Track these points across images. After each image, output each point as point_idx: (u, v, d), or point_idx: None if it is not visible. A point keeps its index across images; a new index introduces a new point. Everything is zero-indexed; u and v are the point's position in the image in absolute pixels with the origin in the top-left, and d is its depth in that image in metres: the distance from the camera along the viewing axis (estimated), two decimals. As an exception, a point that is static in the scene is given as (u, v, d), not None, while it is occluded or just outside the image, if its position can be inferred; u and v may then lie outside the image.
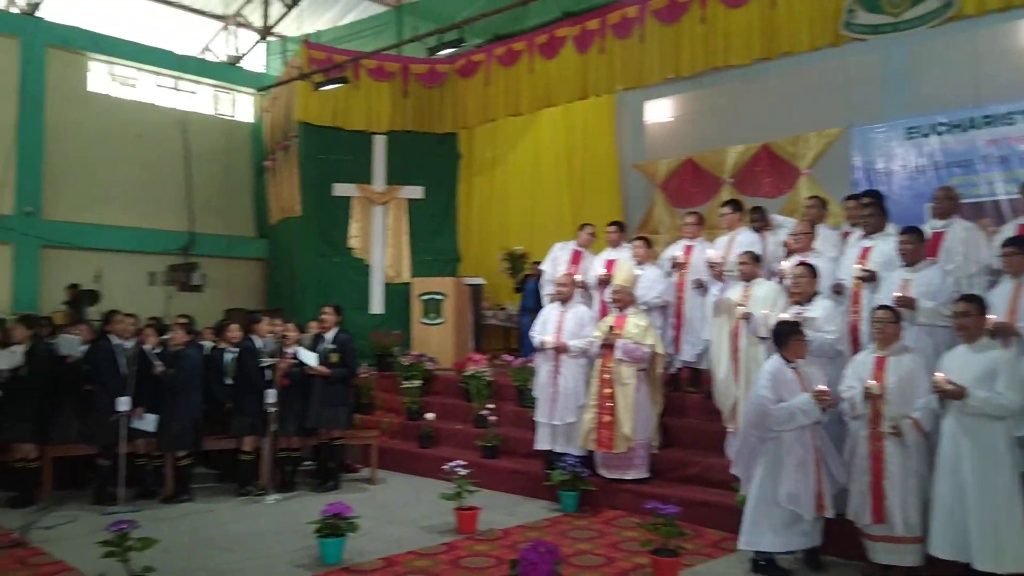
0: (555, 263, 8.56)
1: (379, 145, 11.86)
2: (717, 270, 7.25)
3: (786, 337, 5.43)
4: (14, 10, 12.28)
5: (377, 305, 11.72)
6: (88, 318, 9.83)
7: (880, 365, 5.20)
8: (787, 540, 5.31)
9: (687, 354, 7.77)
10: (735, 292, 6.65)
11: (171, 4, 13.87)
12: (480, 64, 11.14)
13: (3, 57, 11.90)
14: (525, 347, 10.10)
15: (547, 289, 8.48)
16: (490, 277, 12.47)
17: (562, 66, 10.20)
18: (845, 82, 10.51)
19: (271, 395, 7.52)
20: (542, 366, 7.64)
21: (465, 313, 11.34)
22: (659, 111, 12.84)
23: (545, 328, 7.59)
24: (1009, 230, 6.24)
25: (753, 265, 6.62)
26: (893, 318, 5.28)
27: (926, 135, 10.08)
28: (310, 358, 7.79)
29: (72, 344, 7.74)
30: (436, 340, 10.87)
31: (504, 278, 12.15)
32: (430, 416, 8.94)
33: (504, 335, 12.21)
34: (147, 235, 13.14)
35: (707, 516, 6.47)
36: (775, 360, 5.46)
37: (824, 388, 5.23)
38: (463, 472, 6.55)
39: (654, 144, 12.82)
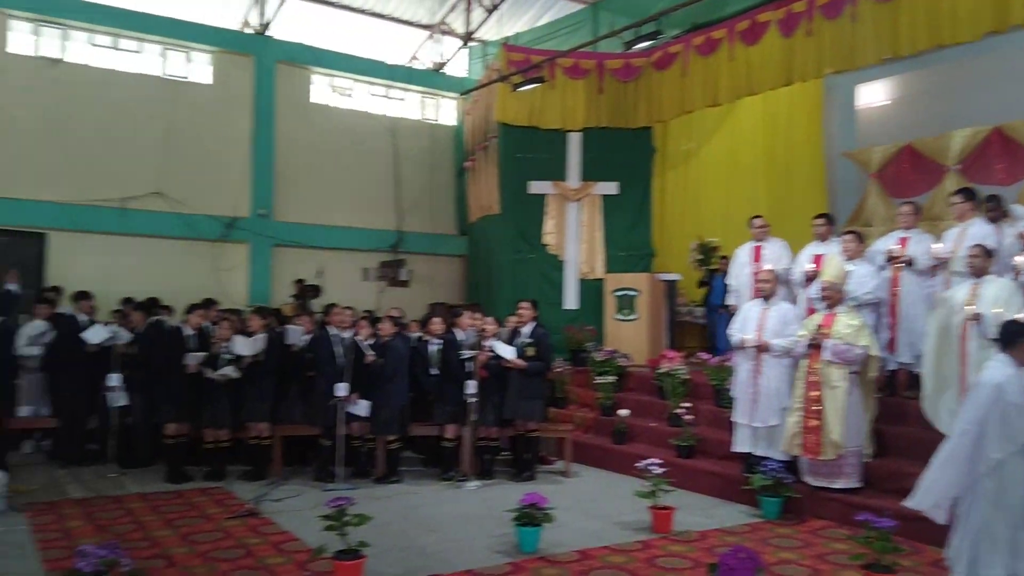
0: (739, 269, 8.42)
1: (574, 142, 12.00)
2: (942, 263, 6.66)
3: (1017, 338, 4.59)
4: (248, 31, 13.64)
5: (571, 300, 11.86)
6: (311, 310, 10.72)
7: None
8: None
9: (904, 356, 7.19)
10: (963, 289, 6.06)
11: (381, 16, 14.78)
12: (677, 55, 10.92)
13: (240, 74, 13.26)
14: (718, 346, 9.83)
15: (730, 299, 8.46)
16: (685, 273, 12.22)
17: (765, 52, 9.78)
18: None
19: (471, 386, 7.83)
20: (742, 365, 7.37)
21: (659, 309, 11.20)
22: (873, 94, 11.93)
23: (745, 326, 7.31)
24: None
25: (985, 259, 6.00)
26: None
27: None
28: (507, 351, 8.02)
29: (296, 334, 8.48)
30: (629, 336, 10.82)
31: (698, 274, 11.85)
32: (624, 412, 8.91)
33: (700, 332, 11.92)
34: (361, 234, 14.13)
35: (926, 532, 5.90)
36: (1008, 362, 4.58)
37: None
38: (658, 471, 6.47)
39: (867, 130, 11.93)
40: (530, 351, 8.07)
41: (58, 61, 11.79)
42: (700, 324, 11.89)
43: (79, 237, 11.52)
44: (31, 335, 8.69)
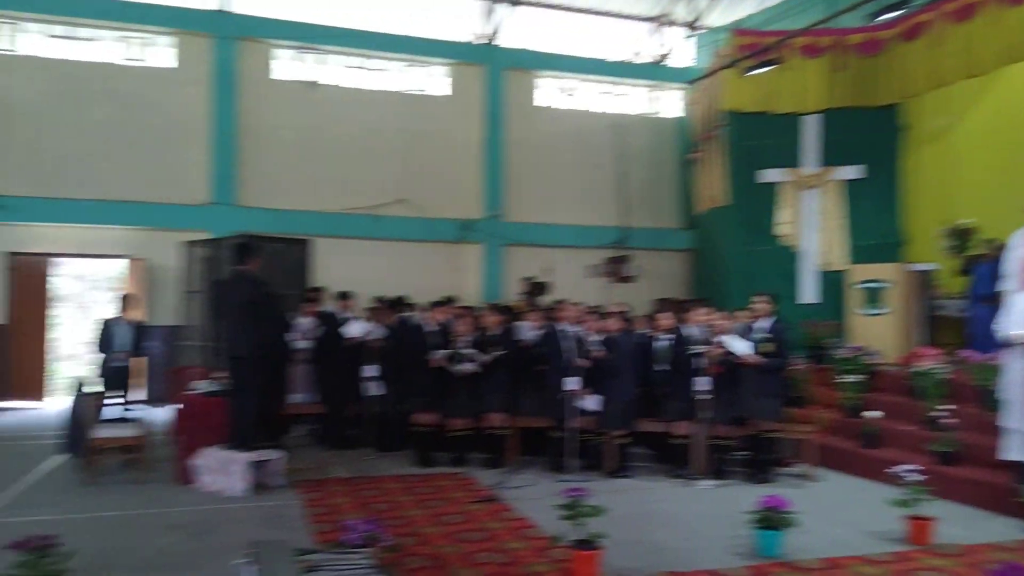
0: (1012, 255, 7.39)
1: (810, 126, 11.37)
2: None
3: None
4: (479, 41, 14.32)
5: (809, 294, 11.25)
6: (540, 306, 11.05)
7: None
8: None
9: None
10: None
11: (604, 14, 14.90)
12: (927, 24, 9.99)
13: (472, 83, 13.99)
14: (978, 342, 8.81)
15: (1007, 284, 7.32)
16: (941, 262, 11.10)
17: (1033, 11, 8.65)
18: None
19: (702, 382, 7.67)
20: (1013, 364, 6.57)
21: (911, 302, 10.28)
22: None
23: (1019, 320, 6.50)
24: None
25: None
26: None
27: None
28: (742, 347, 7.77)
29: (526, 330, 8.79)
30: (877, 332, 10.04)
31: (953, 261, 10.69)
32: (874, 414, 8.29)
33: (959, 327, 10.74)
34: (586, 231, 14.36)
35: None
36: None
37: None
38: (916, 477, 5.96)
39: None
40: (766, 347, 7.76)
41: (315, 84, 13.13)
42: (959, 318, 10.71)
43: (336, 242, 12.77)
44: (301, 330, 9.74)
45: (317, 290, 10.84)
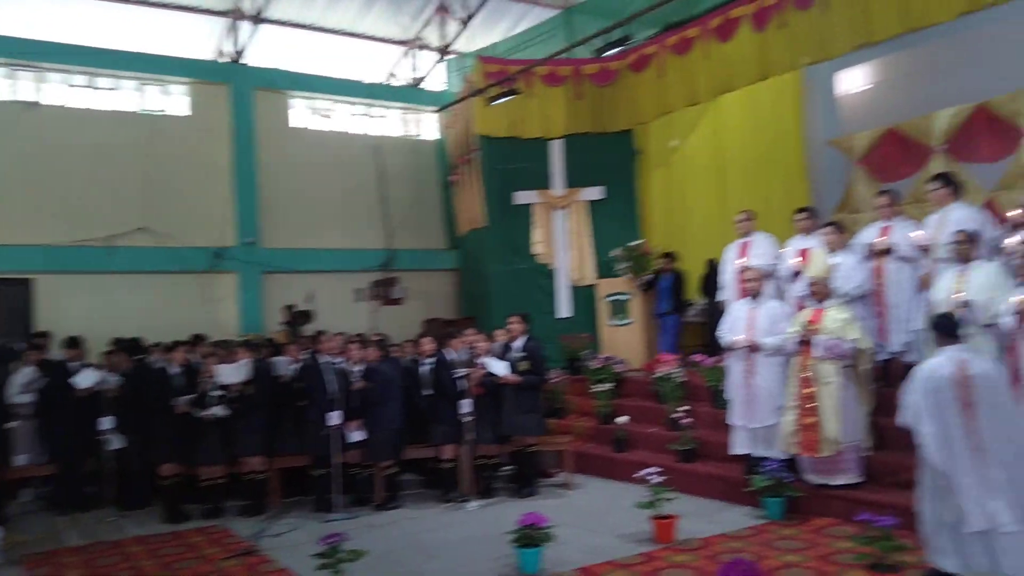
0: (727, 267, 8.39)
1: (556, 150, 11.93)
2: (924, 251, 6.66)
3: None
4: (222, 59, 13.60)
5: (564, 309, 11.79)
6: (302, 336, 10.65)
7: None
8: None
9: (895, 344, 7.12)
10: (949, 276, 6.00)
11: (356, 35, 14.74)
12: (652, 56, 10.89)
13: (217, 103, 13.21)
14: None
15: (725, 294, 8.26)
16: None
17: (739, 48, 9.74)
18: (1075, 23, 9.17)
19: (466, 405, 7.77)
20: (734, 366, 7.32)
21: (652, 312, 11.11)
22: (852, 81, 11.86)
23: (735, 326, 7.25)
24: None
25: (970, 245, 5.94)
26: None
27: None
28: (499, 367, 7.96)
29: (284, 364, 8.42)
30: (625, 341, 10.76)
31: (694, 272, 11.72)
32: (622, 419, 8.84)
33: (699, 331, 11.80)
34: (350, 255, 14.07)
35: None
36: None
37: None
38: (657, 479, 6.40)
39: (849, 117, 11.87)
40: (523, 365, 8.01)
41: (35, 104, 11.75)
42: (698, 323, 11.77)
43: (66, 279, 11.44)
44: (22, 382, 8.63)
45: (43, 335, 9.70)
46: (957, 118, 10.47)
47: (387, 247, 14.42)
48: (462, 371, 7.94)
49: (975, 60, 10.29)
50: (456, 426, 7.89)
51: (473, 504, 7.74)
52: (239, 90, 13.31)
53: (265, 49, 13.81)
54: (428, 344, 8.57)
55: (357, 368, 8.09)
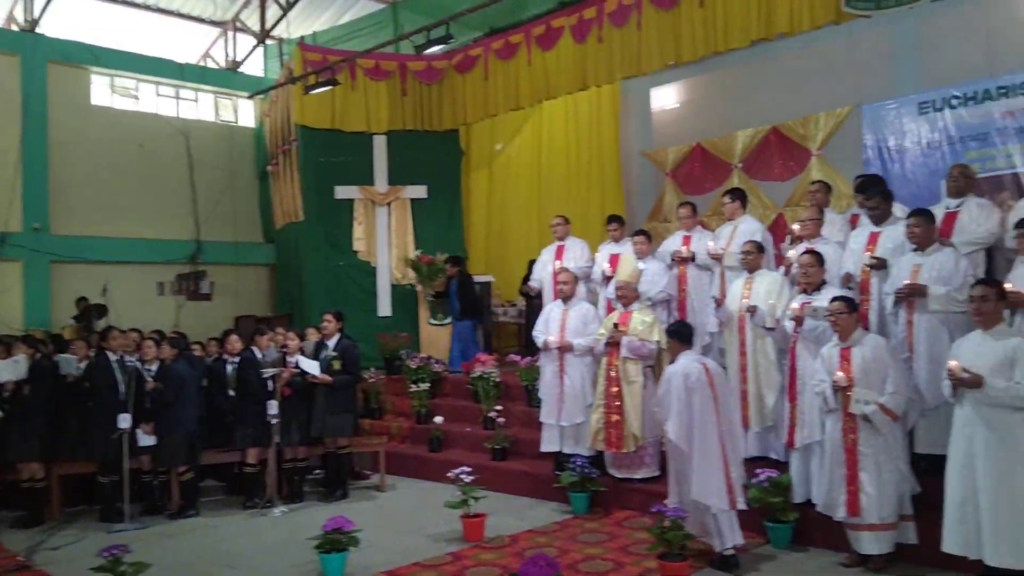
0: (542, 268, 8.69)
1: (379, 145, 11.70)
2: (715, 258, 7.17)
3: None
4: (14, 27, 12.28)
5: (384, 307, 11.59)
6: (97, 332, 9.78)
7: (845, 356, 5.18)
8: None
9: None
10: (738, 284, 6.47)
11: (169, 13, 13.81)
12: (478, 58, 10.95)
13: (5, 75, 11.91)
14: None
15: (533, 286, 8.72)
16: (499, 274, 12.31)
17: (561, 57, 9.99)
18: (854, 60, 10.19)
19: (272, 406, 7.43)
20: (547, 366, 7.49)
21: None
22: (666, 98, 12.57)
23: (548, 327, 7.42)
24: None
25: (757, 255, 6.42)
26: (845, 308, 5.23)
27: (939, 109, 9.74)
28: (311, 366, 7.70)
29: (70, 363, 7.68)
30: (445, 341, 10.72)
31: (515, 273, 11.91)
32: (439, 419, 8.81)
33: (517, 333, 12.04)
34: (155, 245, 13.13)
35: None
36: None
37: None
38: (468, 478, 6.41)
39: (662, 132, 12.58)
40: (336, 364, 7.78)
41: None
42: (517, 324, 12.00)
43: None
44: None
45: None
46: (754, 139, 11.35)
47: (196, 238, 13.59)
48: (270, 371, 7.59)
49: (772, 86, 11.20)
50: (262, 428, 7.53)
51: (279, 510, 7.41)
52: (30, 62, 12.06)
53: (65, 20, 12.61)
54: (235, 342, 8.14)
55: (151, 367, 7.52)
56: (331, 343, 7.95)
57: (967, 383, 4.55)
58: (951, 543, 4.63)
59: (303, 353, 8.02)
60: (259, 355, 7.83)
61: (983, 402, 4.53)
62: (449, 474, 6.64)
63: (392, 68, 11.48)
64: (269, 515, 7.32)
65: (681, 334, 5.75)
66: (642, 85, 12.44)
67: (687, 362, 5.56)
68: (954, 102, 9.66)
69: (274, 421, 7.45)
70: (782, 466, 6.07)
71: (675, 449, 5.49)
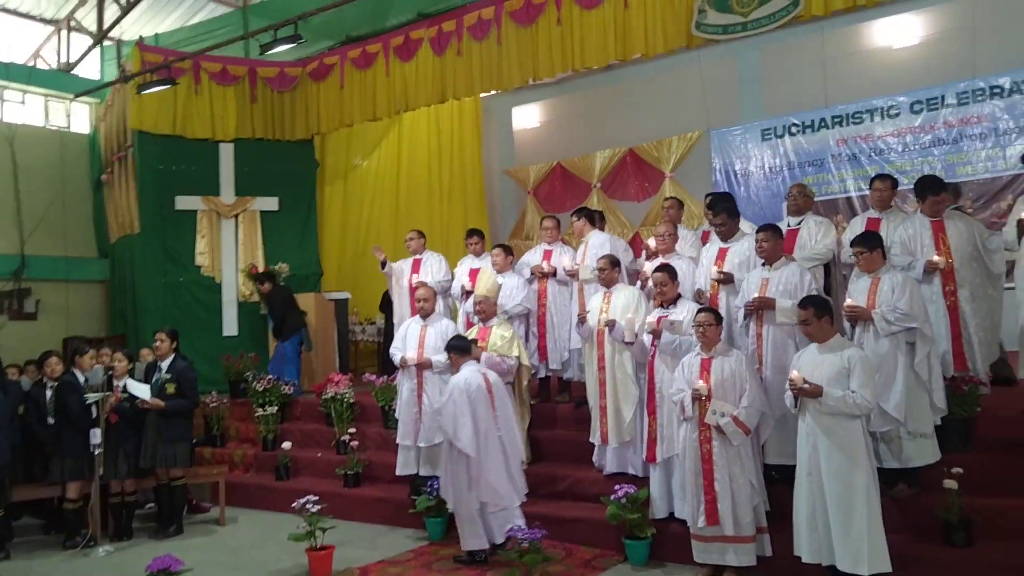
0: (398, 279, 8.46)
1: (226, 154, 11.00)
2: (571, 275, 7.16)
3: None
4: None
5: (230, 326, 10.86)
6: None
7: (705, 367, 5.22)
8: None
9: (553, 362, 7.48)
10: (597, 299, 6.44)
11: (-6, 7, 12.59)
12: (333, 67, 10.55)
13: None
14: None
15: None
16: (357, 290, 11.86)
17: (419, 69, 9.78)
18: (703, 86, 10.62)
19: (96, 434, 6.70)
20: (404, 385, 7.15)
21: (329, 331, 10.68)
22: (527, 117, 12.65)
23: (406, 344, 7.11)
24: (859, 224, 6.36)
25: (611, 270, 6.41)
26: (713, 320, 5.29)
27: (780, 136, 10.31)
28: (141, 390, 7.01)
29: None
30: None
31: (373, 290, 11.49)
32: (287, 445, 8.27)
33: (377, 352, 11.60)
34: (-30, 260, 11.80)
35: (578, 533, 6.17)
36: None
37: None
38: (315, 508, 5.97)
39: (524, 150, 12.64)
40: (170, 388, 7.11)
41: None
42: (377, 342, 11.55)
43: None
44: None
45: None
46: (612, 160, 11.58)
47: (19, 252, 12.32)
48: (94, 396, 6.85)
49: (627, 110, 11.50)
50: (84, 459, 6.79)
51: (103, 549, 6.67)
52: None
53: None
54: (54, 364, 7.32)
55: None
56: (164, 364, 7.27)
57: (808, 393, 4.65)
58: (804, 551, 4.70)
59: (132, 375, 7.32)
60: (81, 378, 7.06)
61: (822, 411, 4.65)
62: (294, 504, 6.17)
63: (241, 73, 10.86)
64: (92, 555, 6.59)
65: (459, 347, 6.06)
66: (504, 104, 12.48)
67: (468, 372, 5.87)
68: (793, 129, 10.25)
69: (97, 451, 6.71)
70: (640, 481, 6.01)
71: (460, 456, 5.70)
